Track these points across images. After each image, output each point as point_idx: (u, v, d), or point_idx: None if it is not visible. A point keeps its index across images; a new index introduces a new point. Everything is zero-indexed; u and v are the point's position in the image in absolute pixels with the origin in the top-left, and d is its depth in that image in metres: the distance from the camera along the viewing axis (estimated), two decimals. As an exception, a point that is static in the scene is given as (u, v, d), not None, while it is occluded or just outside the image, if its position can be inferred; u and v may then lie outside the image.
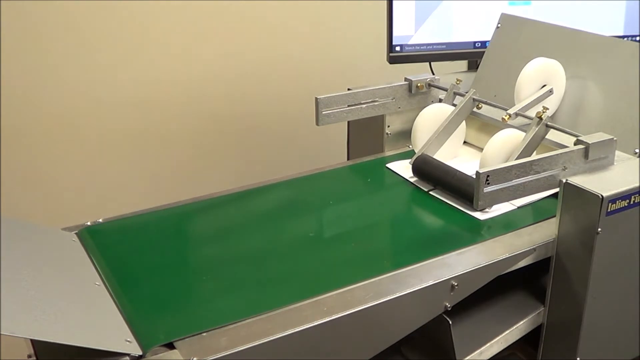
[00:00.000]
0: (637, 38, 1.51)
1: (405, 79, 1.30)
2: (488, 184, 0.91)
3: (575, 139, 1.01)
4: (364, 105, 1.25)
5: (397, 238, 1.04)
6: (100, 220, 1.03)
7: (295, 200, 1.13)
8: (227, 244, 1.00)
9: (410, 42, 1.49)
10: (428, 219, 1.08)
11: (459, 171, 1.10)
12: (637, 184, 0.95)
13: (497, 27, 1.37)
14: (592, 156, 0.99)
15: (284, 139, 1.86)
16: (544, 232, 1.00)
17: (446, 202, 1.09)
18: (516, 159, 1.05)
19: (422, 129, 1.22)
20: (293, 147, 1.88)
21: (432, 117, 1.22)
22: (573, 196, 0.95)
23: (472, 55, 1.54)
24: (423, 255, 0.93)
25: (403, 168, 1.21)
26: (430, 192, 1.12)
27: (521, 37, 1.32)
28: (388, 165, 1.23)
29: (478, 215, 1.04)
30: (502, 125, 1.16)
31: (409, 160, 1.20)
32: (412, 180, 1.16)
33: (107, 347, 0.72)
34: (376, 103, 1.27)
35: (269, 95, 1.81)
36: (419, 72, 1.34)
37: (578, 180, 0.95)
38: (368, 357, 0.86)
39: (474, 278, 0.92)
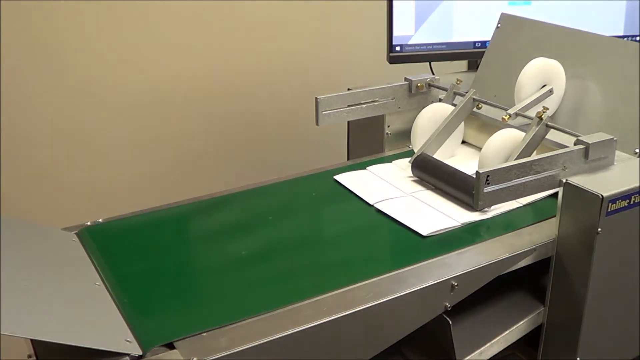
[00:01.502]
0: (637, 38, 1.51)
1: (405, 79, 1.30)
2: (488, 184, 0.91)
3: (575, 139, 1.01)
4: (364, 105, 1.25)
5: (331, 256, 0.97)
6: (100, 220, 1.03)
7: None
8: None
9: (410, 42, 1.49)
10: (368, 236, 1.03)
11: (460, 171, 1.10)
12: (637, 184, 0.95)
13: (497, 27, 1.37)
14: (592, 156, 0.99)
15: (284, 139, 1.86)
16: (544, 232, 1.00)
17: (390, 217, 1.04)
18: (516, 159, 1.05)
19: (422, 128, 1.22)
20: (293, 147, 1.88)
21: (433, 116, 1.22)
22: (573, 196, 0.95)
23: (472, 55, 1.54)
24: (358, 276, 0.88)
25: (351, 180, 1.16)
26: (376, 205, 1.07)
27: (521, 37, 1.32)
28: (336, 177, 1.17)
29: (422, 231, 0.98)
30: (502, 125, 1.16)
31: (409, 159, 1.20)
32: (358, 193, 1.11)
33: (107, 347, 0.72)
34: (376, 103, 1.27)
35: (269, 95, 1.81)
36: (419, 72, 1.34)
37: (578, 180, 0.95)
38: (368, 357, 0.85)
39: (474, 278, 0.91)
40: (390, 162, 1.23)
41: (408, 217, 1.03)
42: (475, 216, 1.03)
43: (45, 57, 1.53)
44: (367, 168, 1.21)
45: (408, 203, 1.08)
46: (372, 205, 1.08)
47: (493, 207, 1.04)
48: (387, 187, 1.13)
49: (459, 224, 1.01)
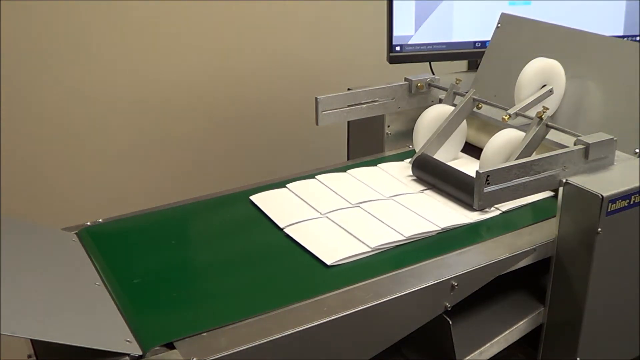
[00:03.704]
0: (637, 38, 1.51)
1: (405, 79, 1.30)
2: (488, 184, 0.91)
3: (575, 139, 1.01)
4: (364, 105, 1.25)
5: (229, 287, 0.89)
6: (100, 220, 1.03)
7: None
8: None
9: (410, 42, 1.49)
10: (269, 265, 0.94)
11: (459, 171, 1.10)
12: (637, 184, 0.95)
13: (497, 27, 1.37)
14: (592, 156, 0.99)
15: (284, 139, 1.86)
16: (544, 232, 1.00)
17: (297, 242, 0.96)
18: (516, 159, 1.05)
19: (424, 129, 1.22)
20: (293, 147, 1.88)
21: (435, 117, 1.22)
22: (573, 196, 0.95)
23: (472, 55, 1.54)
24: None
25: (265, 201, 1.09)
26: (285, 230, 1.00)
27: (521, 37, 1.32)
28: (252, 197, 1.09)
29: (326, 260, 0.91)
30: (502, 125, 1.16)
31: (409, 159, 1.20)
32: (270, 214, 1.04)
33: (107, 347, 0.72)
34: (376, 103, 1.27)
35: (269, 95, 1.81)
36: (419, 72, 1.34)
37: (578, 180, 0.95)
38: (368, 357, 0.85)
39: (474, 278, 0.91)
40: (313, 177, 1.16)
41: (315, 243, 0.95)
42: (391, 237, 0.96)
43: (46, 57, 1.53)
44: (286, 185, 1.13)
45: (321, 226, 1.01)
46: (282, 230, 1.00)
47: (415, 233, 0.98)
48: (304, 208, 1.06)
49: (370, 250, 0.94)
